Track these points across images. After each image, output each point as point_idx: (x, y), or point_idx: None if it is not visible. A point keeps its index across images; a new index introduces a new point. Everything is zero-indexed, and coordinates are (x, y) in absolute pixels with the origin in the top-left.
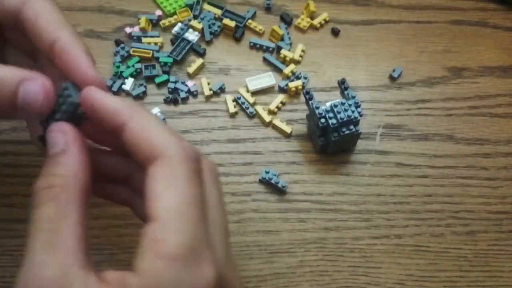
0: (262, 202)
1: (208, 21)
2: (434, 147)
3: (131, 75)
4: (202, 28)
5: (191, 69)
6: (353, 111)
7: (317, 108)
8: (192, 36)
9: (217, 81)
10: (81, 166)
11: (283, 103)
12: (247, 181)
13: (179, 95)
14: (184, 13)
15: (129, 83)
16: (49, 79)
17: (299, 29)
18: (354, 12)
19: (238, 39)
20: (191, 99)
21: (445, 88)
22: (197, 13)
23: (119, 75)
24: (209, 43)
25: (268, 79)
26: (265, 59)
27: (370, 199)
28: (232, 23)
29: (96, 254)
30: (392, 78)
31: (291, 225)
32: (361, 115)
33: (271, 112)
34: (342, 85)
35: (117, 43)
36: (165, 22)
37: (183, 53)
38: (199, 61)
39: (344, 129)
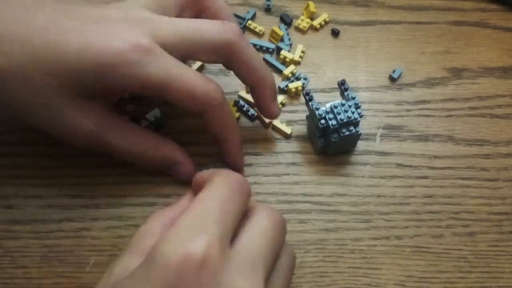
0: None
1: None
2: (434, 148)
3: None
4: None
5: None
6: (353, 112)
7: (317, 109)
8: None
9: (217, 82)
10: None
11: (283, 104)
12: None
13: None
14: None
15: None
16: (193, 165)
17: (299, 30)
18: (354, 13)
19: None
20: None
21: (445, 89)
22: None
23: None
24: None
25: None
26: (265, 60)
27: (370, 200)
28: None
29: (95, 255)
30: (392, 79)
31: (291, 226)
32: (361, 116)
33: None
34: (342, 86)
35: None
36: None
37: None
38: (199, 61)
39: (344, 130)
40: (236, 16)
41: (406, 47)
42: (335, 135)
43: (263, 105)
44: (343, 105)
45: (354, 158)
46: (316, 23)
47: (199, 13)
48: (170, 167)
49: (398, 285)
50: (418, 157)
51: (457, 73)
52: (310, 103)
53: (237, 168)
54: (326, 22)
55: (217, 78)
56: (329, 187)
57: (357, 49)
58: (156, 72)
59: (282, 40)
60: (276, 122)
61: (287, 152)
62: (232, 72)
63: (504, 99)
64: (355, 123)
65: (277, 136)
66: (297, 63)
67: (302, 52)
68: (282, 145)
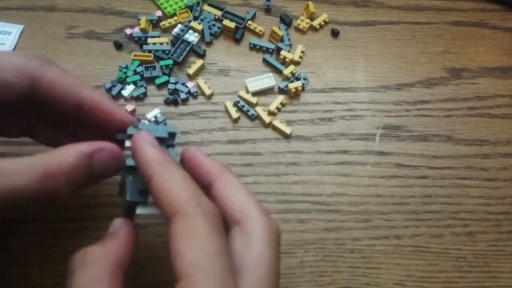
0: (262, 203)
1: (208, 22)
2: (433, 148)
3: (134, 83)
4: (202, 29)
5: (191, 70)
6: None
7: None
8: (192, 37)
9: (217, 82)
10: (124, 247)
11: (283, 104)
12: (247, 182)
13: (179, 96)
14: (184, 14)
15: (129, 90)
16: (114, 144)
17: (298, 30)
18: (353, 13)
19: (238, 40)
20: (191, 100)
21: (445, 89)
22: (197, 14)
23: (121, 81)
24: (209, 44)
25: (268, 80)
26: (265, 60)
27: (370, 200)
28: (232, 24)
29: None
30: (392, 80)
31: (291, 225)
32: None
33: (271, 113)
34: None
35: (116, 44)
36: (165, 23)
37: (183, 54)
38: (199, 62)
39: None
40: (236, 16)
41: (405, 47)
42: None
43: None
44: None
45: (353, 158)
46: (316, 23)
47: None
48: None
49: (398, 285)
50: (418, 157)
51: (456, 73)
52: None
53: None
54: (325, 23)
55: (216, 78)
56: (329, 187)
57: (357, 49)
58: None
59: (282, 40)
60: (275, 122)
61: (286, 152)
62: (231, 73)
63: (503, 99)
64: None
65: (277, 136)
66: (297, 63)
67: (302, 52)
68: (282, 145)
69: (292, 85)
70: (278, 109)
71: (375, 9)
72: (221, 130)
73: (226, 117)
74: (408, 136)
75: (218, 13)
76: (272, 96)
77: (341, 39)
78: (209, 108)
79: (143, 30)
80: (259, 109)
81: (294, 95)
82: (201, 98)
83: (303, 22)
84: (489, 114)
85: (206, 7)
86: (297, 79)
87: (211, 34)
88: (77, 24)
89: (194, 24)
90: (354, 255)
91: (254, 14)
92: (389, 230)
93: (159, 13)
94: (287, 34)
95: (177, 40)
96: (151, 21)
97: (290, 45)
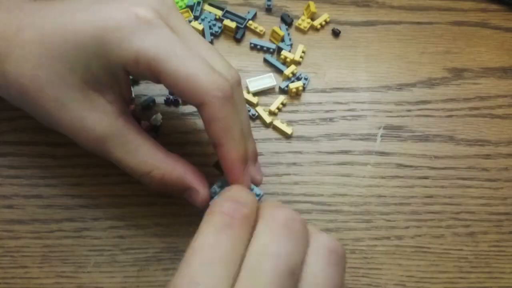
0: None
1: (209, 22)
2: (434, 148)
3: (135, 82)
4: (203, 29)
5: None
6: None
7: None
8: None
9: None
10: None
11: (283, 104)
12: None
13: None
14: (185, 14)
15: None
16: (207, 190)
17: (299, 30)
18: (354, 13)
19: (238, 40)
20: None
21: (446, 89)
22: (197, 14)
23: None
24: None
25: (268, 80)
26: (265, 60)
27: (371, 200)
28: (232, 24)
29: (96, 255)
30: (393, 80)
31: None
32: None
33: (271, 113)
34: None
35: None
36: None
37: None
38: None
39: None
40: (237, 16)
41: (406, 47)
42: None
43: (225, 167)
44: None
45: (354, 158)
46: (316, 23)
47: None
48: (181, 193)
49: (399, 285)
50: (419, 157)
51: (457, 73)
52: None
53: (239, 183)
54: (326, 22)
55: None
56: (330, 187)
57: (358, 49)
58: (151, 45)
59: (282, 40)
60: (276, 122)
61: (287, 152)
62: None
63: (505, 99)
64: None
65: (278, 136)
66: (297, 63)
67: (303, 52)
68: (283, 145)
69: (293, 85)
70: (279, 109)
71: (376, 9)
72: None
73: None
74: (409, 136)
75: (219, 13)
76: (272, 96)
77: (342, 39)
78: None
79: None
80: (259, 109)
81: (295, 95)
82: None
83: (304, 22)
84: (490, 115)
85: (206, 7)
86: (298, 79)
87: (211, 34)
88: None
89: (194, 24)
90: (355, 255)
91: (255, 14)
92: (390, 230)
93: None
94: (288, 34)
95: None
96: None
97: (291, 45)
